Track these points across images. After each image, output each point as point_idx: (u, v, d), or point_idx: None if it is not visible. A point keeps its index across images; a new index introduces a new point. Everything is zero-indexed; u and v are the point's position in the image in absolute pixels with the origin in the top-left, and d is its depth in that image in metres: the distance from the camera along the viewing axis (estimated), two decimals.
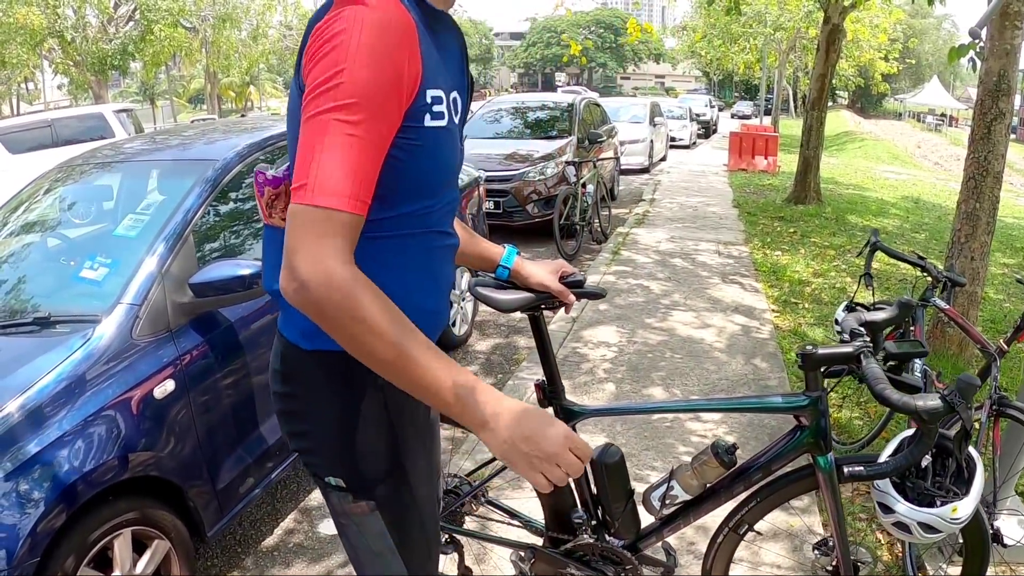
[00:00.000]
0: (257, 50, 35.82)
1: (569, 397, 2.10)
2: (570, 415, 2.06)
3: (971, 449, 1.87)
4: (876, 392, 1.57)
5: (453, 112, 1.35)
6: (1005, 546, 2.65)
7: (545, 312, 2.02)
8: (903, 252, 3.65)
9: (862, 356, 1.69)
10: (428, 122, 1.28)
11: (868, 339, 1.75)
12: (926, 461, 1.84)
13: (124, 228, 2.89)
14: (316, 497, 3.48)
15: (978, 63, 4.94)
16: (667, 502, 1.98)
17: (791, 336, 5.57)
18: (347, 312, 1.13)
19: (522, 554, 2.23)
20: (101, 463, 2.22)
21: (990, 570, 2.81)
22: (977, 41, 5.31)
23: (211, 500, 2.65)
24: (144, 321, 2.51)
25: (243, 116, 37.78)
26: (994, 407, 2.73)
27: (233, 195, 3.18)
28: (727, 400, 2.13)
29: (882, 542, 3.04)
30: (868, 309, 3.73)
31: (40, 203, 3.38)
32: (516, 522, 2.33)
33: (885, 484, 1.79)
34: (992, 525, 2.61)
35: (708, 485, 1.95)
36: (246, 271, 2.63)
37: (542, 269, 1.93)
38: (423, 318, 1.31)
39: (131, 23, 27.58)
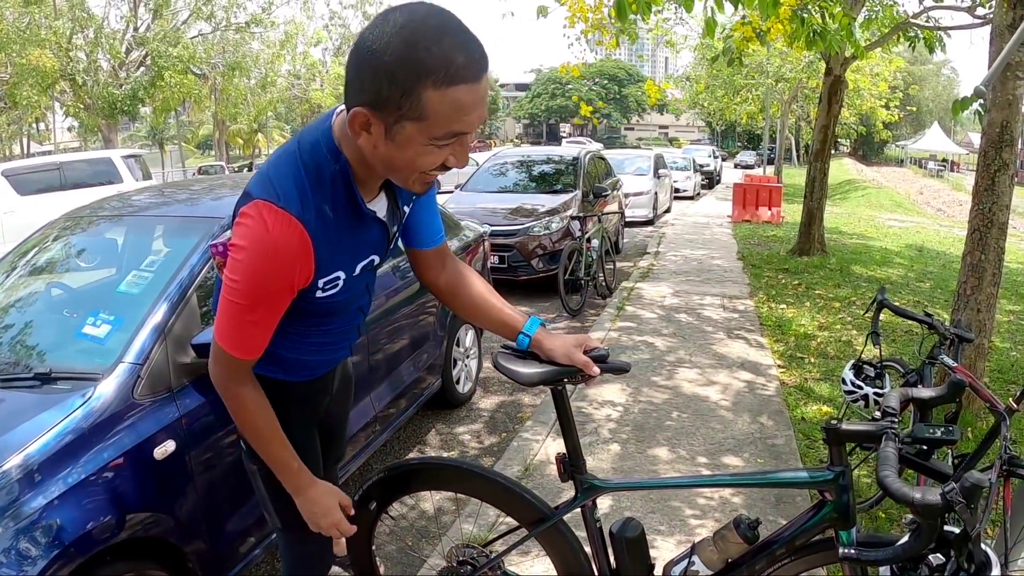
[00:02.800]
0: (265, 98, 36.31)
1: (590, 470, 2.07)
2: (592, 489, 2.02)
3: (988, 548, 1.70)
4: (879, 478, 1.52)
5: (357, 272, 1.74)
6: None
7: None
8: (910, 309, 3.64)
9: (884, 436, 1.65)
10: (319, 295, 1.70)
11: (895, 419, 1.71)
12: (939, 559, 1.74)
13: (127, 285, 2.87)
14: None
15: (982, 114, 4.97)
16: None
17: (797, 392, 5.53)
18: (233, 408, 1.75)
19: None
20: (99, 523, 2.18)
21: None
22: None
23: (210, 561, 2.61)
24: (145, 381, 2.49)
25: (251, 165, 38.27)
26: (1004, 467, 2.69)
27: None
28: (750, 476, 2.07)
29: None
30: (875, 367, 3.71)
31: (46, 252, 3.38)
32: None
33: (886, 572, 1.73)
34: None
35: (730, 560, 1.92)
36: None
37: (566, 342, 1.89)
38: (301, 366, 1.93)
39: (142, 68, 27.98)
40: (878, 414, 1.75)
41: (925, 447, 1.87)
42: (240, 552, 2.79)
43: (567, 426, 2.01)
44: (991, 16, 6.38)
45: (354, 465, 3.61)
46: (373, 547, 2.41)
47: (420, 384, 4.44)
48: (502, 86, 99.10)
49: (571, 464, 2.02)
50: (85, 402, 2.34)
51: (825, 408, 5.11)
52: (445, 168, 1.48)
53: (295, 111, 47.87)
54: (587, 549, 2.12)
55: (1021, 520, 2.84)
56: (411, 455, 4.52)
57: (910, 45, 9.99)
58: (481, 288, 2.01)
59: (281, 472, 1.82)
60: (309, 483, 1.85)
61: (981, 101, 5.23)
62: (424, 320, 4.53)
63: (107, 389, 2.41)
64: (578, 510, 2.07)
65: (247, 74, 32.83)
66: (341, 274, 1.69)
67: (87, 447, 2.27)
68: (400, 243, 1.98)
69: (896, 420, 1.73)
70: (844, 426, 1.78)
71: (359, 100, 1.39)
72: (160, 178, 23.10)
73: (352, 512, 1.94)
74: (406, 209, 1.83)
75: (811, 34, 6.94)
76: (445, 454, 4.54)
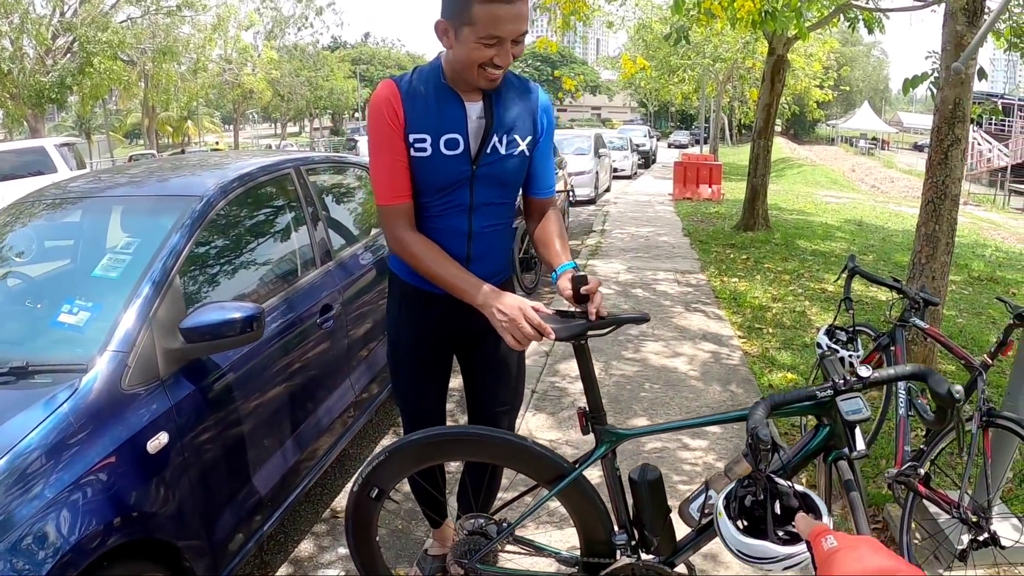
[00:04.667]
0: (196, 84, 35.39)
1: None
2: (617, 438, 2.15)
3: (802, 490, 1.75)
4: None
5: (442, 146, 2.17)
6: (1003, 548, 2.75)
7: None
8: (879, 275, 3.73)
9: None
10: (413, 153, 2.18)
11: (840, 384, 1.82)
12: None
13: (103, 268, 2.70)
14: (306, 548, 3.36)
15: (934, 92, 5.08)
16: (706, 511, 2.01)
17: (760, 361, 5.61)
18: (405, 256, 2.25)
19: None
20: (97, 527, 2.00)
21: (991, 571, 2.96)
22: (932, 71, 5.48)
23: (206, 558, 2.49)
24: (133, 370, 2.34)
25: (182, 152, 37.35)
26: (984, 418, 2.83)
27: (218, 232, 3.07)
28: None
29: None
30: (847, 332, 3.79)
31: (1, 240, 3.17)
32: (547, 557, 2.36)
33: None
34: (989, 529, 2.73)
35: None
36: (238, 314, 2.49)
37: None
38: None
39: (69, 55, 27.01)
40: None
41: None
42: (232, 548, 2.67)
43: (589, 380, 2.14)
44: None
45: (333, 454, 3.52)
46: (376, 537, 2.35)
47: None
48: None
49: (592, 416, 2.14)
50: (72, 394, 2.17)
51: (790, 375, 5.20)
52: (496, 66, 2.04)
53: (226, 97, 46.82)
54: (605, 500, 2.18)
55: (1001, 468, 3.07)
56: (386, 438, 4.47)
57: (850, 26, 10.16)
58: (549, 228, 2.43)
59: (460, 294, 2.16)
60: (484, 297, 2.10)
61: (933, 79, 5.37)
62: None
63: (94, 380, 2.24)
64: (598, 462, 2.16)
65: (178, 59, 31.94)
66: (427, 137, 2.16)
67: (78, 443, 2.09)
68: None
69: (846, 387, 1.82)
70: (824, 361, 1.95)
71: (442, 14, 2.04)
72: (90, 168, 22.40)
73: (542, 323, 2.03)
74: (520, 142, 2.28)
75: (762, 14, 7.03)
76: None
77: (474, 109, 2.20)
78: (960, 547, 2.82)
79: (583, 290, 2.03)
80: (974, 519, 2.75)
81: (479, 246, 2.35)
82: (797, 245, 11.11)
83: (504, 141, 2.24)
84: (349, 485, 2.24)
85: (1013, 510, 3.32)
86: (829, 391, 1.83)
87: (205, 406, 2.58)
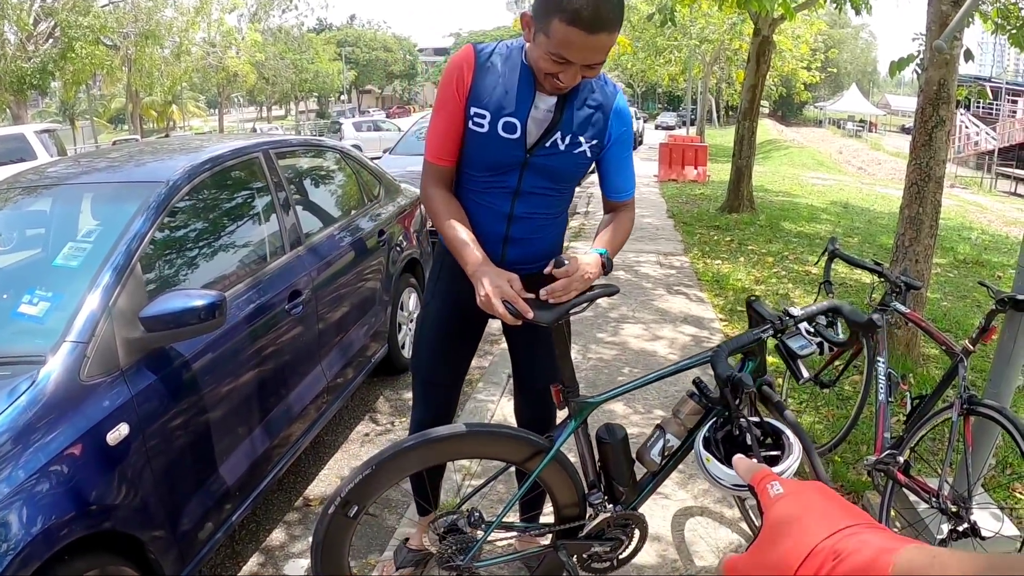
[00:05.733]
0: (180, 68, 35.03)
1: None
2: (586, 406, 2.27)
3: (782, 430, 2.01)
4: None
5: (499, 127, 2.19)
6: (983, 539, 2.69)
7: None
8: (860, 258, 3.68)
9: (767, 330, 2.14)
10: (470, 126, 2.21)
11: (780, 324, 2.13)
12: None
13: (64, 257, 2.64)
14: (277, 537, 3.31)
15: (920, 73, 5.03)
16: (666, 453, 2.22)
17: None
18: (427, 209, 2.35)
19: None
20: (56, 521, 1.97)
21: None
22: (918, 52, 5.43)
23: (172, 550, 2.45)
24: (93, 360, 2.29)
25: (167, 136, 37.04)
26: (964, 406, 2.78)
27: (183, 218, 3.01)
28: (702, 354, 2.28)
29: None
30: (827, 315, 3.76)
31: None
32: (521, 534, 2.50)
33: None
34: (969, 519, 2.67)
35: (691, 427, 2.21)
36: (199, 302, 2.45)
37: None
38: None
39: (51, 40, 26.68)
40: None
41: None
42: (200, 538, 2.63)
43: (564, 358, 2.25)
44: None
45: (305, 440, 3.48)
46: (348, 558, 2.27)
47: (367, 351, 4.32)
48: (421, 51, 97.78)
49: (567, 390, 2.25)
50: (30, 387, 2.13)
51: (771, 359, 5.15)
52: (559, 80, 2.03)
53: (210, 80, 46.40)
54: (576, 467, 2.31)
55: (982, 456, 3.00)
56: (361, 424, 4.43)
57: (837, 7, 10.09)
58: (606, 223, 2.41)
59: (460, 261, 2.20)
60: (474, 269, 2.12)
61: (919, 60, 5.31)
62: (369, 285, 4.39)
63: (52, 371, 2.20)
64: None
65: (160, 43, 31.62)
66: (487, 114, 2.18)
67: (37, 436, 2.06)
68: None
69: (782, 326, 2.13)
70: (754, 305, 2.21)
71: (532, 9, 2.03)
72: (73, 154, 22.15)
73: (518, 299, 2.05)
74: (584, 144, 2.27)
75: None
76: (397, 421, 4.46)
77: (546, 101, 2.20)
78: (940, 537, 2.78)
79: (546, 270, 2.09)
80: (954, 509, 2.71)
81: (519, 230, 2.37)
82: (782, 227, 11.08)
83: (567, 140, 2.24)
84: (323, 507, 2.14)
85: (995, 498, 3.29)
86: (769, 330, 2.12)
87: (168, 396, 2.52)
